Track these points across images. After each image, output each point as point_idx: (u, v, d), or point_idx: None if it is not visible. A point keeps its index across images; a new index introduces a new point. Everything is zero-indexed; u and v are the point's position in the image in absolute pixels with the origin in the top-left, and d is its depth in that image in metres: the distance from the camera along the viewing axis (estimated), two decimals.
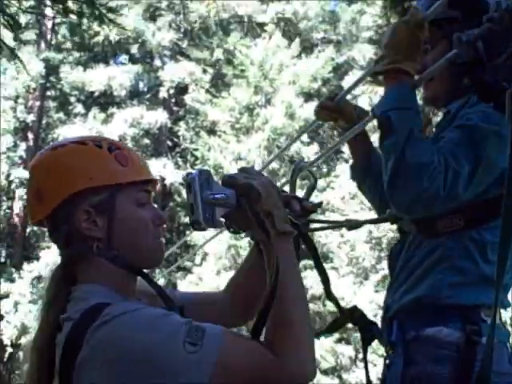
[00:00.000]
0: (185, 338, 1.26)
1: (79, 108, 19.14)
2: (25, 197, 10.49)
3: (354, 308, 1.78)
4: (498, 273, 1.18)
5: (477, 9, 1.63)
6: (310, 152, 15.78)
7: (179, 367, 1.24)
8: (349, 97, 2.17)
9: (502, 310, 1.76)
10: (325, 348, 14.30)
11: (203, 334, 1.27)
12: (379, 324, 1.82)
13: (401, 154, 1.54)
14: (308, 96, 18.06)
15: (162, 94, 19.21)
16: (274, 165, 15.89)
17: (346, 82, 16.98)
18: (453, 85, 1.79)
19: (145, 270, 1.49)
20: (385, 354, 1.79)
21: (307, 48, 20.05)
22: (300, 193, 1.72)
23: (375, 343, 1.85)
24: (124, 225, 1.43)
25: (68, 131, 17.54)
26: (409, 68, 1.64)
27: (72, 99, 19.43)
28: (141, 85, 20.13)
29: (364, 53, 18.37)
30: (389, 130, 1.59)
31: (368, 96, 14.98)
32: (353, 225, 1.97)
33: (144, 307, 1.35)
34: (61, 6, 5.65)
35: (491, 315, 1.65)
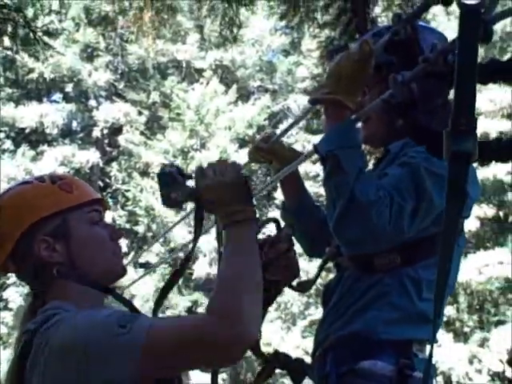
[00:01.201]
0: (116, 321, 1.33)
1: (8, 144, 18.64)
2: None
3: (276, 352, 1.74)
4: (435, 310, 1.20)
5: (412, 54, 1.67)
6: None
7: (110, 347, 1.30)
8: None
9: (440, 353, 1.80)
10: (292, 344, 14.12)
11: (135, 319, 1.35)
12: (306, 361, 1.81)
13: (350, 193, 1.55)
14: (243, 142, 18.25)
15: (96, 133, 18.98)
16: None
17: (281, 130, 17.24)
18: (390, 125, 1.82)
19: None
20: None
21: (244, 95, 20.36)
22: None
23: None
24: (82, 244, 1.52)
25: None
26: (348, 102, 1.62)
27: (1, 135, 18.92)
28: (74, 124, 19.85)
29: (299, 102, 18.80)
30: (337, 169, 1.58)
31: (301, 144, 15.28)
32: (307, 286, 1.95)
33: (92, 310, 1.41)
34: None
35: (422, 350, 1.70)
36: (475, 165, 1.65)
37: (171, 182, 1.59)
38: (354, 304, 1.75)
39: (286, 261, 1.67)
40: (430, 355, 1.19)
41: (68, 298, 1.47)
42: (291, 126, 2.34)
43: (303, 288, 1.94)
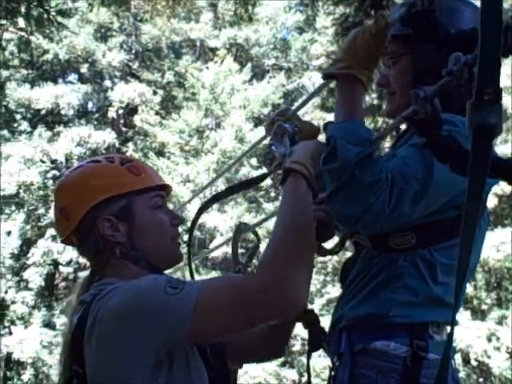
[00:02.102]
0: (166, 283, 1.39)
1: (25, 126, 18.75)
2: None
3: (310, 311, 1.76)
4: (456, 293, 1.17)
5: (430, 27, 1.65)
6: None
7: (163, 307, 1.35)
8: None
9: (448, 327, 1.79)
10: (268, 372, 14.24)
11: (184, 281, 1.41)
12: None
13: (350, 175, 1.53)
14: (258, 121, 18.21)
15: (111, 114, 19.04)
16: (223, 187, 15.85)
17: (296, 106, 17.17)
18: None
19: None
20: (330, 365, 1.78)
21: (258, 74, 20.27)
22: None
23: (319, 366, 1.85)
24: (143, 228, 1.58)
25: (12, 149, 17.15)
26: (362, 76, 1.61)
27: (18, 116, 19.03)
28: (89, 104, 19.91)
29: (314, 80, 18.68)
30: (333, 157, 1.56)
31: (316, 122, 15.20)
32: (329, 252, 1.98)
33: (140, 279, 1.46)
34: (9, 19, 5.55)
35: (438, 332, 1.68)
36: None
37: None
38: (369, 284, 1.74)
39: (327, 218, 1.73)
40: (450, 338, 1.17)
41: (123, 277, 1.51)
42: (307, 100, 2.32)
43: (327, 253, 1.98)
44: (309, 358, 1.82)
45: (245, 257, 1.95)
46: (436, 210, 1.64)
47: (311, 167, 1.55)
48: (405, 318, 1.67)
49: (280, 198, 1.55)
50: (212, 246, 16.25)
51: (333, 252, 1.98)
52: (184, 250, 1.78)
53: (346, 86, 1.65)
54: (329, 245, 1.97)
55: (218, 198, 1.81)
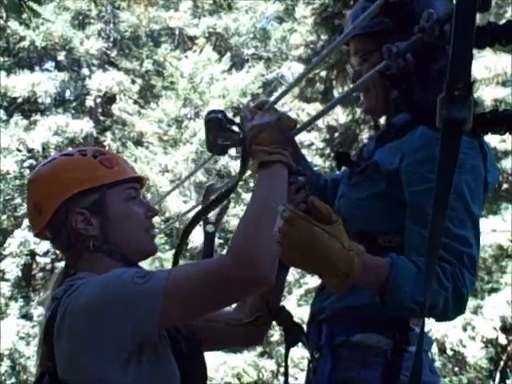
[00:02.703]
0: (133, 274, 1.41)
1: (0, 114, 18.48)
2: None
3: (281, 308, 1.77)
4: (425, 284, 1.18)
5: (409, 18, 1.62)
6: (238, 166, 15.82)
7: (131, 297, 1.38)
8: None
9: (427, 320, 1.80)
10: (247, 362, 14.28)
11: (152, 272, 1.44)
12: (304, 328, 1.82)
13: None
14: (237, 110, 18.14)
15: (89, 102, 18.83)
16: (202, 178, 15.82)
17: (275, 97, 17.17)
18: (388, 96, 1.77)
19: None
20: (309, 358, 1.77)
21: (237, 63, 20.18)
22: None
23: (297, 356, 1.85)
24: (116, 220, 1.58)
25: None
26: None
27: None
28: (67, 93, 19.68)
29: (293, 70, 18.65)
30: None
31: (295, 112, 15.20)
32: None
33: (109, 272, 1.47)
34: None
35: (418, 324, 1.68)
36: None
37: (218, 128, 1.64)
38: None
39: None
40: (421, 331, 1.18)
41: (96, 270, 1.52)
42: (285, 93, 2.29)
43: None
44: (287, 352, 1.81)
45: (215, 216, 1.94)
46: None
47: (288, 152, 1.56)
48: (387, 312, 1.66)
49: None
50: (192, 236, 16.20)
51: None
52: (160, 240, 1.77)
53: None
54: None
55: (205, 212, 1.80)
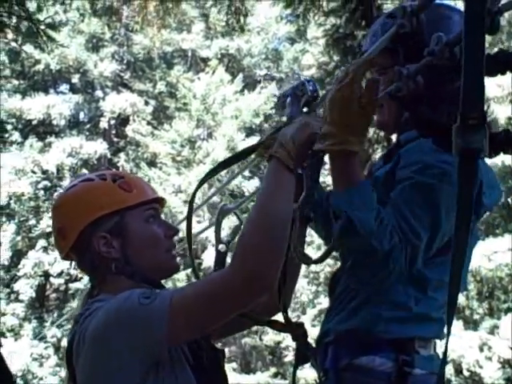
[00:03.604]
0: (139, 296, 1.42)
1: (16, 136, 18.68)
2: None
3: (301, 324, 1.75)
4: (448, 309, 1.17)
5: (418, 46, 1.64)
6: (251, 186, 15.85)
7: (138, 321, 1.39)
8: None
9: (437, 341, 1.78)
10: (260, 382, 14.19)
11: (158, 291, 1.45)
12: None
13: (367, 246, 1.52)
14: (250, 131, 18.23)
15: (103, 124, 19.00)
16: (215, 198, 15.85)
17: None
18: (399, 114, 1.78)
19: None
20: (317, 381, 1.77)
21: (250, 84, 20.31)
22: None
23: (311, 377, 1.84)
24: (137, 242, 1.61)
25: (3, 159, 17.07)
26: (355, 147, 1.50)
27: (8, 127, 18.95)
28: (81, 115, 19.88)
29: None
30: (351, 231, 1.52)
31: None
32: (312, 261, 1.97)
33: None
34: None
35: (425, 347, 1.67)
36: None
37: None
38: (355, 298, 1.72)
39: None
40: (444, 355, 1.15)
41: (118, 291, 1.52)
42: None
43: (309, 261, 1.96)
44: (295, 369, 1.82)
45: (227, 236, 1.96)
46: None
47: (294, 153, 1.48)
48: (390, 334, 1.65)
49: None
50: (204, 255, 16.21)
51: (317, 261, 1.96)
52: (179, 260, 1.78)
53: (340, 162, 1.55)
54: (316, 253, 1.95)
55: (215, 172, 1.79)
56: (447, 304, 1.09)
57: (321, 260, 1.94)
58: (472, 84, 0.94)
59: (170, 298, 1.40)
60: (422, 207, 1.58)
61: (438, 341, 1.77)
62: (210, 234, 15.82)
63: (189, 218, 1.73)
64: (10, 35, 5.77)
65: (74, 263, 1.81)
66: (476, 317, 14.32)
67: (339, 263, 1.95)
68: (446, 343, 1.13)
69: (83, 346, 1.45)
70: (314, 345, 1.78)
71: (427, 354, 1.66)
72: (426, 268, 1.65)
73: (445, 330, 1.78)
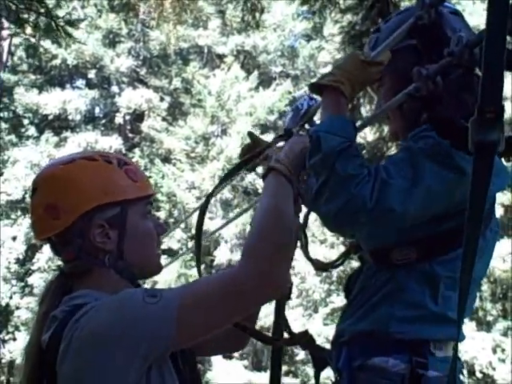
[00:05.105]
0: (143, 294, 1.34)
1: (32, 131, 18.83)
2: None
3: (304, 333, 1.73)
4: (459, 308, 1.15)
5: (436, 39, 1.64)
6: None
7: (143, 321, 1.30)
8: None
9: (463, 344, 1.76)
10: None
11: (161, 290, 1.37)
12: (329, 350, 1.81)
13: (330, 168, 1.53)
14: (264, 128, 18.21)
15: (118, 120, 19.09)
16: (228, 195, 15.87)
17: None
18: (408, 121, 1.75)
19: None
20: (333, 379, 1.76)
21: (265, 81, 20.29)
22: None
23: (323, 375, 1.84)
24: (134, 237, 1.50)
25: (19, 154, 17.21)
26: (347, 92, 1.63)
27: (25, 121, 19.11)
28: (97, 110, 19.98)
29: None
30: (316, 150, 1.56)
31: None
32: (324, 266, 1.97)
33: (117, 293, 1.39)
34: (17, 27, 5.58)
35: (440, 348, 1.64)
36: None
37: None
38: (370, 299, 1.71)
39: None
40: (455, 354, 1.14)
41: (102, 287, 1.45)
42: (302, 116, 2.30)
43: (321, 266, 1.96)
44: (317, 380, 1.80)
45: None
46: (434, 219, 1.60)
47: (292, 168, 1.53)
48: (404, 335, 1.63)
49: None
50: (216, 252, 16.23)
51: (334, 266, 1.97)
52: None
53: (331, 97, 1.66)
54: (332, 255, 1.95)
55: (225, 179, 1.83)
56: (458, 299, 1.08)
57: (336, 265, 1.97)
58: (491, 78, 0.93)
59: (179, 296, 1.34)
60: (404, 160, 1.57)
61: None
62: (222, 231, 15.85)
63: (198, 229, 1.75)
64: (29, 30, 5.81)
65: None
66: (489, 318, 14.23)
67: (353, 263, 1.94)
68: (456, 346, 1.12)
69: (76, 348, 1.32)
70: (325, 346, 1.78)
71: (443, 356, 1.64)
72: (438, 264, 1.64)
73: (463, 333, 1.76)
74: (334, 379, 1.76)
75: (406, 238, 1.64)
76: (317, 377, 1.80)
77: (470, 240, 1.03)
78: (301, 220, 1.73)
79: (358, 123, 1.76)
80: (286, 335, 1.76)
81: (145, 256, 1.53)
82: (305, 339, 1.72)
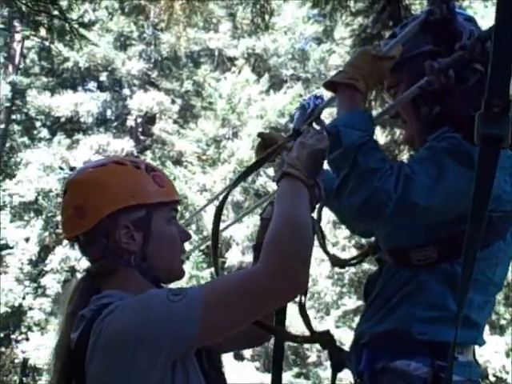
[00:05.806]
0: (167, 293, 1.37)
1: (44, 133, 18.93)
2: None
3: (325, 332, 1.73)
4: (459, 308, 1.15)
5: (448, 34, 1.64)
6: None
7: (168, 320, 1.33)
8: None
9: (477, 347, 1.75)
10: (283, 382, 14.15)
11: (185, 288, 1.40)
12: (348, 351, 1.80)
13: (352, 162, 1.54)
14: (275, 131, 18.19)
15: (130, 122, 19.15)
16: (239, 197, 15.88)
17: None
18: (425, 124, 1.76)
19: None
20: (352, 381, 1.75)
21: (276, 84, 20.28)
22: None
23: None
24: (158, 241, 1.54)
25: (32, 156, 17.31)
26: (362, 88, 1.64)
27: (37, 124, 19.22)
28: (108, 112, 20.06)
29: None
30: (337, 144, 1.57)
31: None
32: (339, 262, 1.99)
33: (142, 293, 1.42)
34: (31, 29, 5.61)
35: (462, 353, 1.63)
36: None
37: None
38: (390, 300, 1.70)
39: None
40: (452, 354, 1.13)
41: (128, 288, 1.48)
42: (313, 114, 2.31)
43: (337, 262, 1.98)
44: (334, 381, 1.79)
45: None
46: (458, 219, 1.57)
47: (304, 169, 1.52)
48: (425, 336, 1.62)
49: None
50: (228, 254, 16.23)
51: (351, 263, 1.98)
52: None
53: (345, 94, 1.67)
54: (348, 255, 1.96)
55: (238, 180, 1.84)
56: (458, 300, 1.08)
57: (353, 263, 1.97)
58: (499, 72, 0.93)
59: (203, 294, 1.36)
60: (428, 159, 1.57)
61: (476, 347, 1.74)
62: (234, 232, 15.87)
63: (215, 234, 1.76)
64: (42, 32, 5.85)
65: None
66: (503, 322, 14.12)
67: (365, 266, 1.94)
68: (453, 347, 1.11)
69: (102, 347, 1.36)
70: (343, 348, 1.76)
71: (465, 360, 1.63)
72: (460, 265, 1.62)
73: (484, 337, 1.75)
74: (353, 381, 1.74)
75: (433, 237, 1.63)
76: (333, 378, 1.79)
77: (472, 234, 1.03)
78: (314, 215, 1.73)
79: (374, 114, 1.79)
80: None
81: (168, 260, 1.57)
82: (325, 338, 1.72)
